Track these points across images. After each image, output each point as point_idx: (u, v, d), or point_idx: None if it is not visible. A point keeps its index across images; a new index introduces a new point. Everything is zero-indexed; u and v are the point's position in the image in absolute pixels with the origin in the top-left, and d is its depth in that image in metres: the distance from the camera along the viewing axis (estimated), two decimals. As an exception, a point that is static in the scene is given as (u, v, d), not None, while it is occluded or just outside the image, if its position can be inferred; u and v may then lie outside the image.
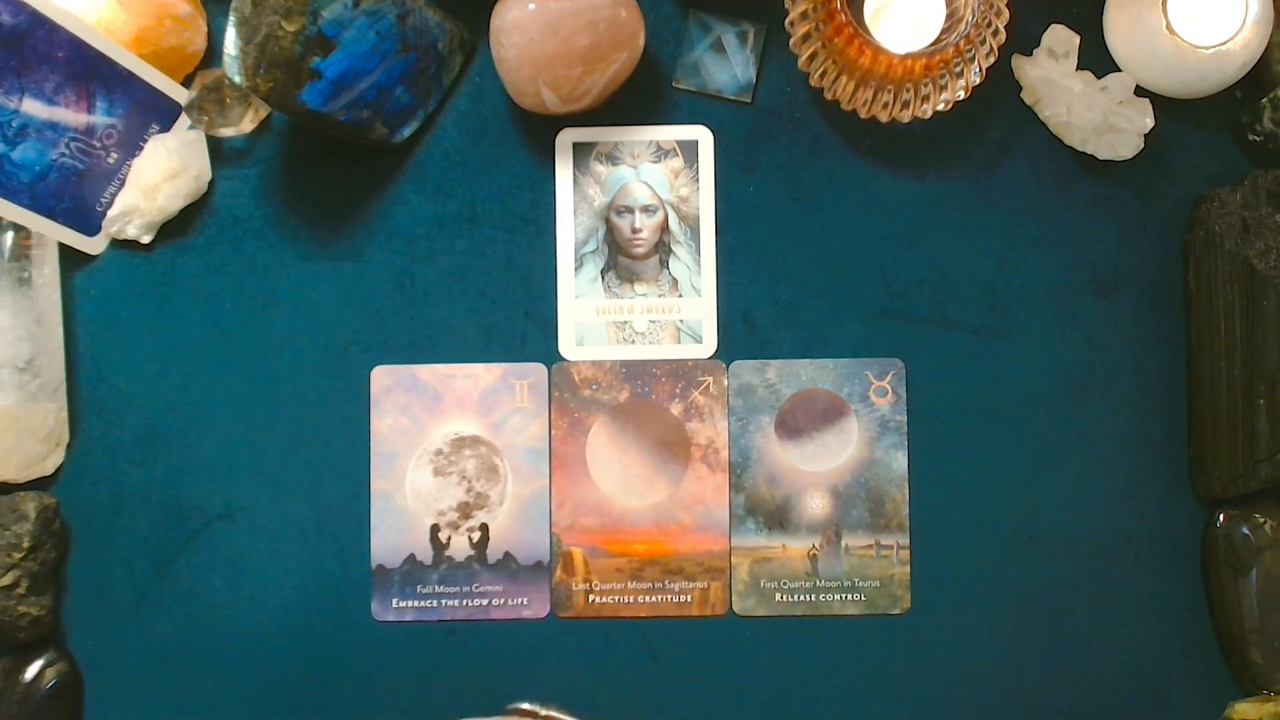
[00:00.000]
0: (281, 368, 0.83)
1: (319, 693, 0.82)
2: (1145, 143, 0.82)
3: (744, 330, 0.83)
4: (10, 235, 0.81)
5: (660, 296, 0.83)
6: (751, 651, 0.82)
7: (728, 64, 0.84)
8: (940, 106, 0.80)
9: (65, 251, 0.82)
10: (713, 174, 0.84)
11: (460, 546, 0.83)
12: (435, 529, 0.83)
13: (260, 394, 0.83)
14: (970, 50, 0.79)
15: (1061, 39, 0.82)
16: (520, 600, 0.82)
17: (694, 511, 0.83)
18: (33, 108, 0.77)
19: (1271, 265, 0.79)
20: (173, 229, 0.83)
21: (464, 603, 0.82)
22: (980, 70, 0.80)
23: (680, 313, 0.83)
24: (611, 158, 0.84)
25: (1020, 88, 0.83)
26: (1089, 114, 0.81)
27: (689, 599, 0.82)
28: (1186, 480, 0.83)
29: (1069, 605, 0.82)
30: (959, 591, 0.82)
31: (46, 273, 0.82)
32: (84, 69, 0.78)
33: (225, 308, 0.83)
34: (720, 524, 0.83)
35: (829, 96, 0.81)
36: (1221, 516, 0.81)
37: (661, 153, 0.84)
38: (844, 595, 0.82)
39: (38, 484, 0.82)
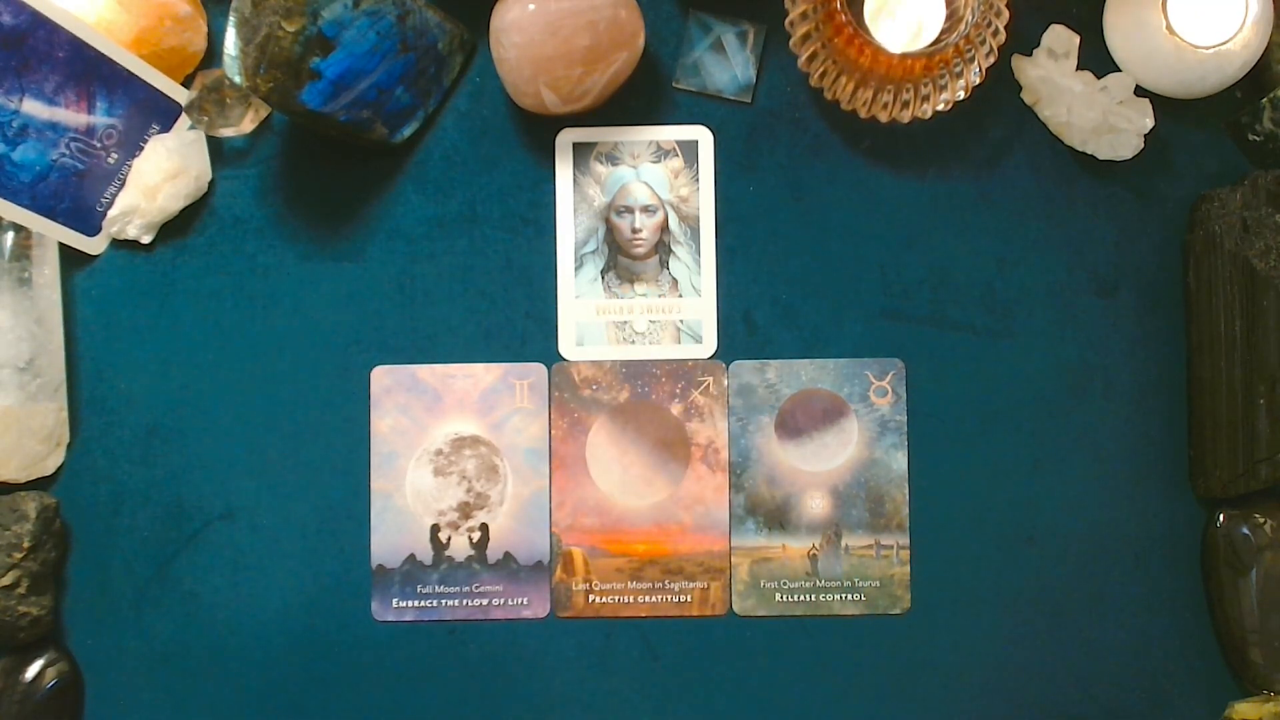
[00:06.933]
0: (281, 368, 0.83)
1: (319, 693, 0.82)
2: (1145, 143, 0.82)
3: (744, 330, 0.83)
4: (10, 235, 0.81)
5: (660, 296, 0.83)
6: (751, 651, 0.82)
7: (728, 64, 0.84)
8: (940, 106, 0.80)
9: (65, 251, 0.82)
10: (713, 174, 0.84)
11: (460, 546, 0.83)
12: (435, 529, 0.83)
13: (260, 394, 0.83)
14: (970, 50, 0.79)
15: (1061, 39, 0.82)
16: (520, 600, 0.82)
17: (694, 511, 0.83)
18: (33, 108, 0.77)
19: (1271, 265, 0.79)
20: (173, 229, 0.83)
21: (464, 603, 0.82)
22: (980, 70, 0.80)
23: (680, 313, 0.83)
24: (611, 158, 0.84)
25: (1020, 88, 0.83)
26: (1089, 114, 0.81)
27: (689, 599, 0.82)
28: (1186, 480, 0.83)
29: (1069, 605, 0.82)
30: (959, 591, 0.82)
31: (47, 273, 0.82)
32: (84, 69, 0.78)
33: (225, 308, 0.83)
34: (720, 524, 0.83)
35: (829, 96, 0.81)
36: (1221, 516, 0.81)
37: (661, 153, 0.84)
38: (844, 595, 0.82)
39: (38, 484, 0.82)
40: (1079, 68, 0.82)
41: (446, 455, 0.83)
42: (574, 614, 0.82)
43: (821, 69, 0.80)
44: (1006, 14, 0.79)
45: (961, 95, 0.80)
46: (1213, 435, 0.80)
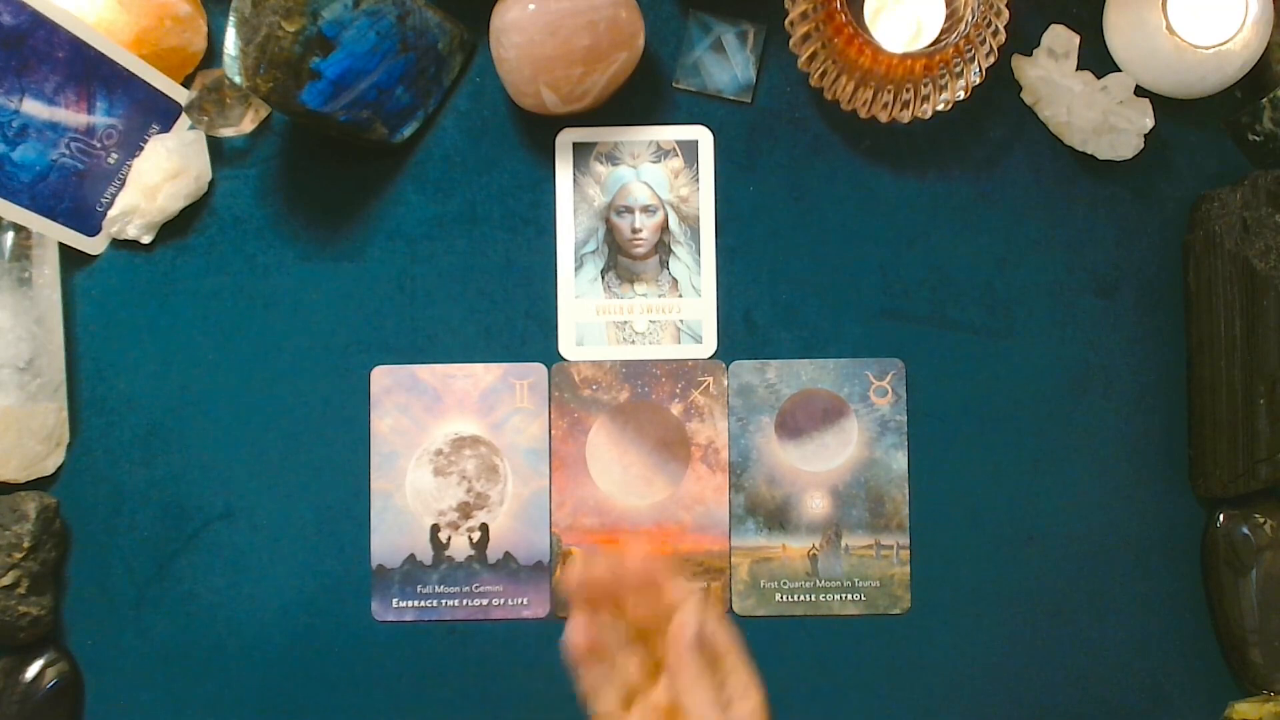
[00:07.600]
0: (281, 368, 0.83)
1: (319, 693, 0.82)
2: (1145, 143, 0.82)
3: (744, 330, 0.83)
4: (10, 235, 0.81)
5: (660, 296, 0.83)
6: (751, 651, 0.82)
7: (728, 64, 0.84)
8: (940, 106, 0.80)
9: (65, 251, 0.82)
10: (713, 174, 0.84)
11: (460, 546, 0.83)
12: (435, 529, 0.83)
13: (260, 394, 0.83)
14: (970, 50, 0.79)
15: (1061, 39, 0.82)
16: (520, 600, 0.82)
17: (694, 511, 0.83)
18: (33, 108, 0.77)
19: (1271, 265, 0.79)
20: (173, 229, 0.83)
21: (464, 603, 0.82)
22: (980, 70, 0.80)
23: (680, 313, 0.83)
24: (611, 158, 0.84)
25: (1020, 88, 0.83)
26: (1089, 114, 0.81)
27: (689, 599, 0.82)
28: (1186, 480, 0.83)
29: (1069, 605, 0.82)
30: (959, 591, 0.82)
31: (47, 273, 0.82)
32: (84, 69, 0.78)
33: (225, 308, 0.83)
34: (720, 524, 0.83)
35: (829, 96, 0.81)
36: (1221, 516, 0.81)
37: (661, 153, 0.84)
38: (844, 595, 0.82)
39: (38, 484, 0.82)
40: (1079, 68, 0.82)
41: (446, 455, 0.83)
42: (574, 614, 0.82)
43: (821, 69, 0.80)
44: (1006, 14, 0.79)
45: (961, 95, 0.80)
46: (1213, 435, 0.80)
